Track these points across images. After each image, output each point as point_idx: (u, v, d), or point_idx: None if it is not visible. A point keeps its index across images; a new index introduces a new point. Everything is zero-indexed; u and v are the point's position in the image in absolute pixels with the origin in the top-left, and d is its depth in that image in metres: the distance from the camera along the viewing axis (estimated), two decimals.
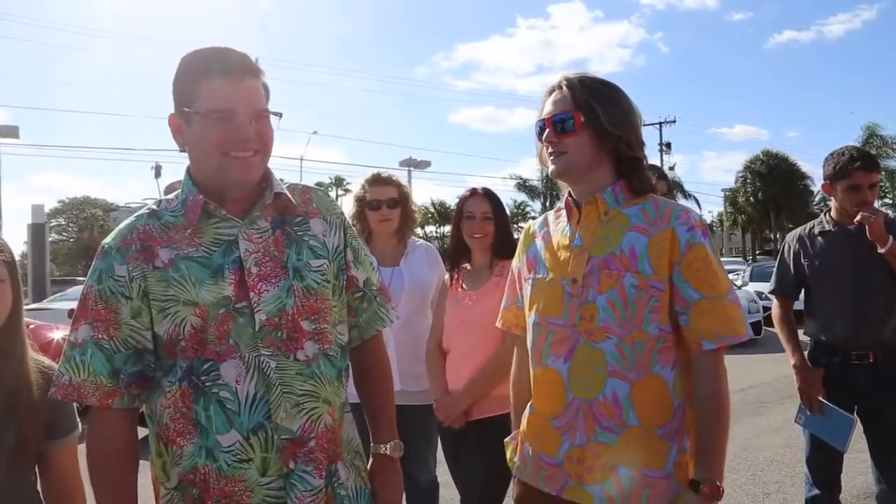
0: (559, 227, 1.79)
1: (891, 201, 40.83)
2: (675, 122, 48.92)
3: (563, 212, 1.79)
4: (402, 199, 2.98)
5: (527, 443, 1.78)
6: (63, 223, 60.70)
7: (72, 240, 57.19)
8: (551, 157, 1.71)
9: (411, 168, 29.91)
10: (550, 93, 1.74)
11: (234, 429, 1.40)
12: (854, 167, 2.81)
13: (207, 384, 1.40)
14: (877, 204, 2.96)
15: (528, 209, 48.89)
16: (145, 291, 1.42)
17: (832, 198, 2.96)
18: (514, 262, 1.94)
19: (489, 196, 2.74)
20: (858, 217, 2.77)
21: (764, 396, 7.24)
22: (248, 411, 1.40)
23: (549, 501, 1.70)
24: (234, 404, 1.40)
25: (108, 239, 1.49)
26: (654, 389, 1.62)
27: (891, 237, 2.71)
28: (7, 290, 1.57)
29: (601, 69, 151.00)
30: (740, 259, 41.12)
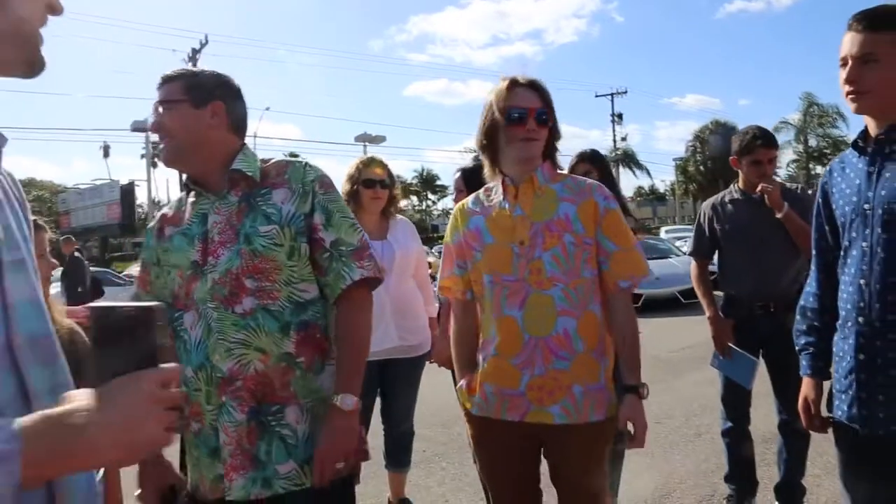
0: (494, 202, 2.13)
1: None
2: (626, 92, 49.77)
3: (496, 189, 2.14)
4: (390, 182, 3.40)
5: (486, 383, 2.09)
6: None
7: None
8: (528, 143, 2.04)
9: (366, 143, 30.04)
10: (513, 86, 2.04)
11: (189, 365, 1.73)
12: (756, 144, 3.27)
13: (178, 328, 1.77)
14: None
15: None
16: (159, 259, 1.84)
17: (739, 170, 3.40)
18: (449, 238, 2.25)
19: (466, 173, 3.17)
20: (759, 187, 3.22)
21: (703, 353, 7.67)
22: (195, 351, 1.73)
23: (506, 429, 2.05)
24: (189, 345, 1.75)
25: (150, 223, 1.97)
26: (592, 321, 2.04)
27: (786, 204, 3.15)
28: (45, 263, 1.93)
29: (556, 40, 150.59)
30: (691, 226, 42.20)
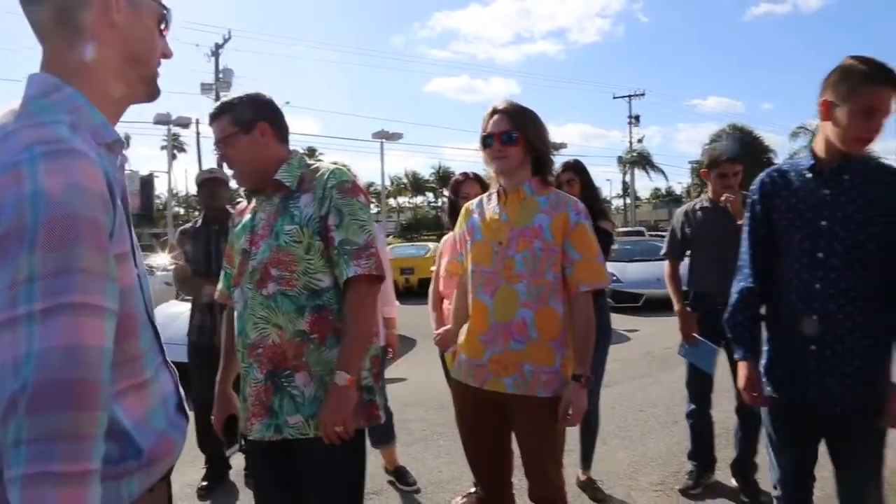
0: (491, 206, 2.57)
1: None
2: (644, 94, 49.95)
3: (494, 196, 2.56)
4: None
5: (462, 353, 2.55)
6: None
7: None
8: (496, 161, 2.45)
9: (383, 140, 30.45)
10: (493, 114, 2.47)
11: (237, 330, 2.15)
12: (722, 160, 3.68)
13: (235, 301, 2.20)
14: None
15: None
16: (232, 243, 2.27)
17: (708, 181, 3.81)
18: (456, 230, 2.72)
19: (479, 179, 3.61)
20: (723, 197, 3.63)
21: None
22: (238, 321, 2.14)
23: (472, 392, 2.48)
24: (237, 315, 2.17)
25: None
26: (549, 316, 2.40)
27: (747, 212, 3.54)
28: None
29: (580, 39, 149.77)
30: None
